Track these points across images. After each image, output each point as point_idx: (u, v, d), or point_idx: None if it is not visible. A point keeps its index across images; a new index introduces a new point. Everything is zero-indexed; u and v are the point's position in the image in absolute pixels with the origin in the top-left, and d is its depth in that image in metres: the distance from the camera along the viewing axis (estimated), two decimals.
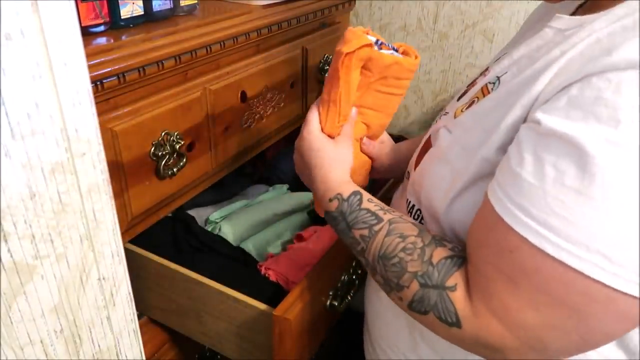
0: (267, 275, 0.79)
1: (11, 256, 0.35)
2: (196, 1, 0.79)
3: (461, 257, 0.48)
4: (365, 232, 0.52)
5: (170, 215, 0.84)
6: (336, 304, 0.71)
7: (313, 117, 0.63)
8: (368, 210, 0.54)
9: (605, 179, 0.35)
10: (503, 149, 0.46)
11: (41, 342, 0.40)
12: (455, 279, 0.46)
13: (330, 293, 0.71)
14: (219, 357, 0.97)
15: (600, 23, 0.42)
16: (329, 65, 1.07)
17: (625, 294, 0.37)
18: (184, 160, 0.74)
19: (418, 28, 1.25)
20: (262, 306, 0.67)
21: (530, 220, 0.39)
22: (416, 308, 0.48)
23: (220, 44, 0.77)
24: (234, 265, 0.83)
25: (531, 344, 0.43)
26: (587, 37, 0.42)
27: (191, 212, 0.92)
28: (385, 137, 0.76)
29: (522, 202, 0.40)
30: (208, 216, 0.93)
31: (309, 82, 1.05)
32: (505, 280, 0.42)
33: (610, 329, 0.40)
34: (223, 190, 1.00)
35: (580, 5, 0.53)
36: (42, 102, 0.34)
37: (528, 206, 0.39)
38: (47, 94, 0.34)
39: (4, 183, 0.33)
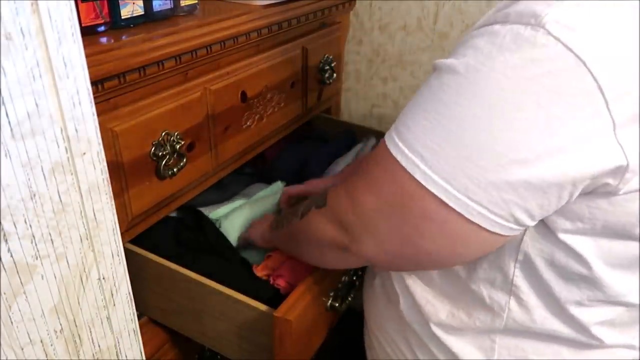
0: (276, 285, 0.78)
1: (11, 256, 0.35)
2: (196, 1, 0.79)
3: None
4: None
5: (173, 215, 0.84)
6: (337, 304, 0.71)
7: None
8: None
9: (434, 91, 0.43)
10: None
11: (41, 342, 0.40)
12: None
13: (331, 294, 0.71)
14: (219, 357, 0.96)
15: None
16: (329, 65, 1.08)
17: (435, 196, 0.43)
18: (184, 160, 0.74)
19: (418, 28, 1.25)
20: (262, 307, 0.67)
21: (393, 129, 0.47)
22: (305, 210, 0.60)
23: (221, 44, 0.77)
24: (235, 265, 0.83)
25: (366, 224, 0.49)
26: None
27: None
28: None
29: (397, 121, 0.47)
30: (208, 215, 0.93)
31: (309, 82, 1.05)
32: (362, 168, 0.50)
33: (421, 227, 0.46)
34: (223, 190, 1.00)
35: None
36: (42, 102, 0.34)
37: (397, 120, 0.47)
38: (47, 94, 0.34)
39: (4, 183, 0.33)
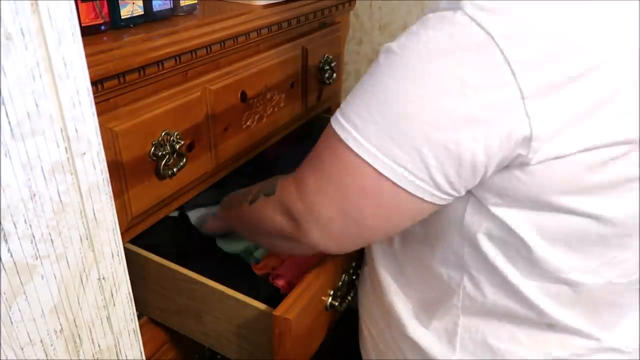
0: (276, 284, 0.78)
1: (11, 256, 0.35)
2: (196, 1, 0.79)
3: None
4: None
5: (173, 215, 0.84)
6: (336, 304, 0.71)
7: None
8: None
9: (372, 70, 0.48)
10: None
11: (41, 342, 0.40)
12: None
13: (331, 293, 0.71)
14: (219, 357, 0.97)
15: None
16: (329, 65, 1.08)
17: (367, 164, 0.46)
18: (184, 160, 0.74)
19: None
20: (262, 306, 0.67)
21: (338, 112, 0.50)
22: (254, 199, 0.62)
23: (220, 44, 0.77)
24: (234, 265, 0.83)
25: (310, 209, 0.53)
26: None
27: (191, 213, 0.91)
28: None
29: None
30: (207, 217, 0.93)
31: (309, 82, 1.05)
32: (310, 158, 0.54)
33: (361, 203, 0.49)
34: (223, 190, 1.00)
35: None
36: (42, 102, 0.34)
37: (343, 102, 0.51)
38: (47, 94, 0.34)
39: (4, 183, 0.33)
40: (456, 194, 0.48)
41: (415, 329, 0.62)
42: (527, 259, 0.52)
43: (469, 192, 0.50)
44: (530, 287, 0.54)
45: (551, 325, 0.56)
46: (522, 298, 0.54)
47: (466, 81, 0.43)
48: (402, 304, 0.63)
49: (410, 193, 0.47)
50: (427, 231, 0.58)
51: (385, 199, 0.48)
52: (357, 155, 0.47)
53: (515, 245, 0.51)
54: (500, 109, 0.43)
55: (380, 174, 0.47)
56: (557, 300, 0.54)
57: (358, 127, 0.47)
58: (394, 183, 0.47)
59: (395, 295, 0.64)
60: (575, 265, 0.52)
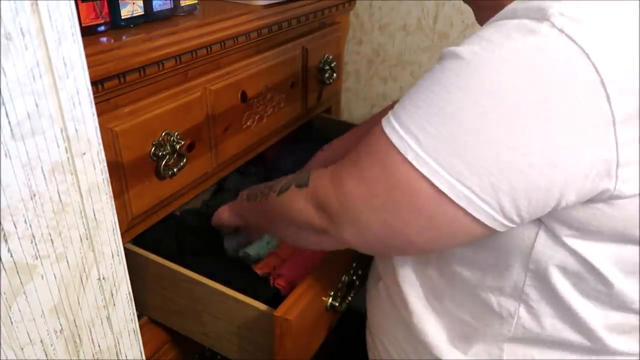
0: (276, 284, 0.78)
1: (11, 256, 0.35)
2: (196, 1, 0.79)
3: None
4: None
5: (176, 213, 0.84)
6: (337, 304, 0.71)
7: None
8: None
9: (435, 75, 0.43)
10: None
11: (41, 342, 0.40)
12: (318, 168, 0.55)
13: (331, 294, 0.71)
14: (219, 357, 0.96)
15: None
16: (329, 65, 1.08)
17: (426, 179, 0.42)
18: (184, 160, 0.74)
19: (418, 28, 1.25)
20: (262, 307, 0.67)
21: (392, 115, 0.46)
22: (283, 189, 0.58)
23: (221, 44, 0.77)
24: (235, 265, 0.83)
25: (349, 213, 0.49)
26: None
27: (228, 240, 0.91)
28: None
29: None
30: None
31: (309, 82, 1.05)
32: (349, 158, 0.50)
33: (409, 220, 0.45)
34: (225, 193, 1.00)
35: None
36: (42, 102, 0.34)
37: (398, 107, 0.46)
38: (47, 94, 0.34)
39: (4, 183, 0.33)
40: (519, 222, 0.44)
41: (451, 354, 0.58)
42: (603, 292, 0.49)
43: (539, 221, 0.46)
44: (597, 319, 0.51)
45: (606, 352, 0.53)
46: (586, 329, 0.51)
47: (552, 102, 0.39)
48: (434, 329, 0.60)
49: (470, 215, 0.43)
50: (480, 256, 0.53)
51: (439, 219, 0.44)
52: (414, 169, 0.43)
53: (591, 278, 0.48)
54: (588, 135, 0.39)
55: (439, 191, 0.42)
56: (622, 330, 0.52)
57: (419, 140, 0.42)
58: (452, 202, 0.42)
59: (427, 320, 0.60)
60: None
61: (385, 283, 0.67)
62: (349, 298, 0.74)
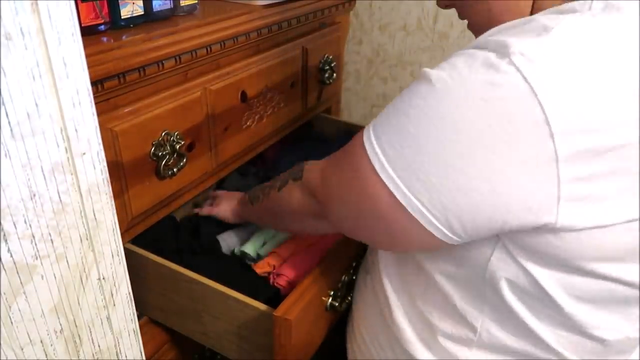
0: (276, 284, 0.78)
1: (11, 256, 0.35)
2: (196, 1, 0.79)
3: None
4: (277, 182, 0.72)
5: (173, 216, 0.85)
6: (336, 304, 0.71)
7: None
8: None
9: (409, 95, 0.47)
10: None
11: (41, 342, 0.40)
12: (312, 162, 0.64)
13: (331, 293, 0.71)
14: (219, 357, 0.96)
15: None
16: (329, 65, 1.08)
17: (386, 187, 0.47)
18: (184, 160, 0.74)
19: (418, 28, 1.25)
20: (262, 307, 0.67)
21: (371, 127, 0.51)
22: (282, 185, 0.68)
23: (220, 44, 0.77)
24: (234, 265, 0.83)
25: (328, 200, 0.58)
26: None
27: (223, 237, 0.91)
28: None
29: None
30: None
31: (309, 82, 1.05)
32: (339, 151, 0.56)
33: (371, 222, 0.51)
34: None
35: None
36: (42, 102, 0.34)
37: (378, 118, 0.51)
38: (47, 94, 0.34)
39: (4, 183, 0.33)
40: (467, 238, 0.48)
41: (422, 352, 0.61)
42: (552, 312, 0.51)
43: (497, 237, 0.49)
44: (549, 335, 0.53)
45: None
46: (541, 343, 0.54)
47: (499, 135, 0.42)
48: (405, 323, 0.63)
49: (422, 227, 0.47)
50: (447, 263, 0.56)
51: (397, 227, 0.49)
52: (379, 177, 0.48)
53: (539, 298, 0.50)
54: (531, 169, 0.42)
55: (397, 200, 0.47)
56: (575, 348, 0.54)
57: (387, 153, 0.47)
58: (408, 213, 0.47)
59: (399, 314, 0.63)
60: (599, 323, 0.52)
61: (371, 275, 0.69)
62: (349, 298, 0.74)
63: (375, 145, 0.48)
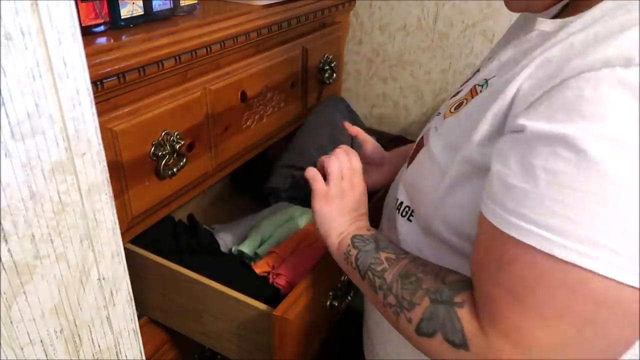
0: (276, 284, 0.78)
1: (11, 256, 0.35)
2: (196, 1, 0.79)
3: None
4: (392, 255, 0.54)
5: (172, 216, 0.85)
6: (336, 304, 0.71)
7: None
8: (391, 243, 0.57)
9: (601, 172, 0.35)
10: (482, 150, 0.47)
11: (41, 342, 0.40)
12: (463, 297, 0.45)
13: (331, 293, 0.71)
14: (219, 357, 0.97)
15: (577, 25, 0.42)
16: (329, 65, 1.08)
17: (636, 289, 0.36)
18: (184, 160, 0.74)
19: (418, 28, 1.25)
20: (262, 306, 0.67)
21: (533, 226, 0.38)
22: (424, 329, 0.47)
23: (220, 44, 0.77)
24: (234, 265, 0.83)
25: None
26: (563, 41, 0.42)
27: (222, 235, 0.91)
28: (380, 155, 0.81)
29: (520, 209, 0.39)
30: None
31: (309, 82, 1.05)
32: (508, 297, 0.40)
33: (626, 333, 0.39)
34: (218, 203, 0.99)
35: (565, 7, 0.54)
36: (42, 102, 0.34)
37: (527, 212, 0.38)
38: (47, 94, 0.34)
39: (4, 183, 0.33)
40: None
41: None
42: None
43: None
44: None
45: None
46: None
47: None
48: None
49: None
50: None
51: (628, 310, 0.37)
52: (614, 280, 0.36)
53: None
54: None
55: (629, 286, 0.36)
56: None
57: (616, 251, 0.36)
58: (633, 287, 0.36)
59: None
60: None
61: None
62: (349, 298, 0.74)
63: (590, 250, 0.36)
